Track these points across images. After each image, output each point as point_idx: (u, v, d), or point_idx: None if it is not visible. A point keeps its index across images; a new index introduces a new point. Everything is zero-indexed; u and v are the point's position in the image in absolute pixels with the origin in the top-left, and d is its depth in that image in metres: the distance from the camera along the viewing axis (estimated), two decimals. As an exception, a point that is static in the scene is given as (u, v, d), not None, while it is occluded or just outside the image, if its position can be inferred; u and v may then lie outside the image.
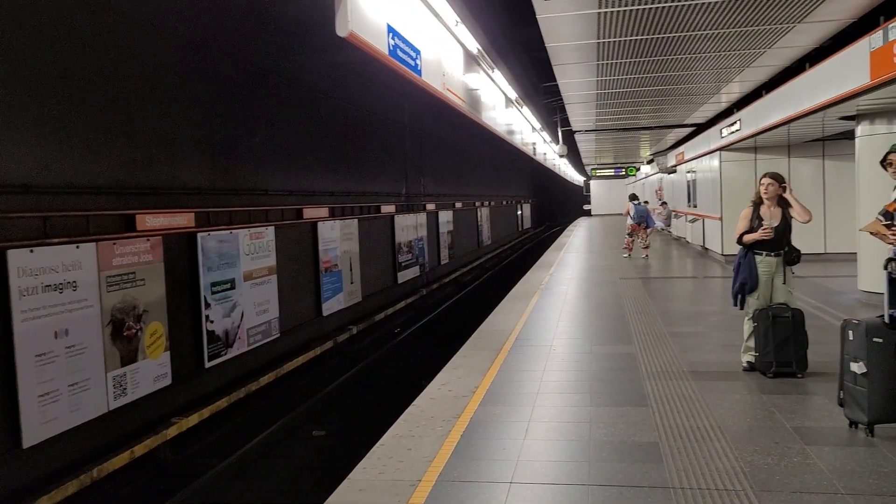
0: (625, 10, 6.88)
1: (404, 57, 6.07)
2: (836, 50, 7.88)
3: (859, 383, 4.15)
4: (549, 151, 26.52)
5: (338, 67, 10.64)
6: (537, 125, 19.37)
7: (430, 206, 17.63)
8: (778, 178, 5.65)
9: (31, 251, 5.11)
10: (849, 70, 7.36)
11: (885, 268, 4.28)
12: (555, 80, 11.15)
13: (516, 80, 13.91)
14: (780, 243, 5.50)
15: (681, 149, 20.01)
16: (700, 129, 17.19)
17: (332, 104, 11.32)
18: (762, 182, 5.60)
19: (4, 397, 4.91)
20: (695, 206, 17.97)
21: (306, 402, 8.22)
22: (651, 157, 27.89)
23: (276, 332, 8.78)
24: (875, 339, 4.08)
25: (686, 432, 4.33)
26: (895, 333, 4.08)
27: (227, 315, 7.70)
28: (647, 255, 16.19)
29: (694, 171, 18.12)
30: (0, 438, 4.89)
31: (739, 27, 7.64)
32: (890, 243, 4.33)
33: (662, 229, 23.79)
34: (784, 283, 5.56)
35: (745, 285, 5.58)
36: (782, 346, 5.42)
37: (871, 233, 4.48)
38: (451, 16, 7.72)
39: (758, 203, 5.62)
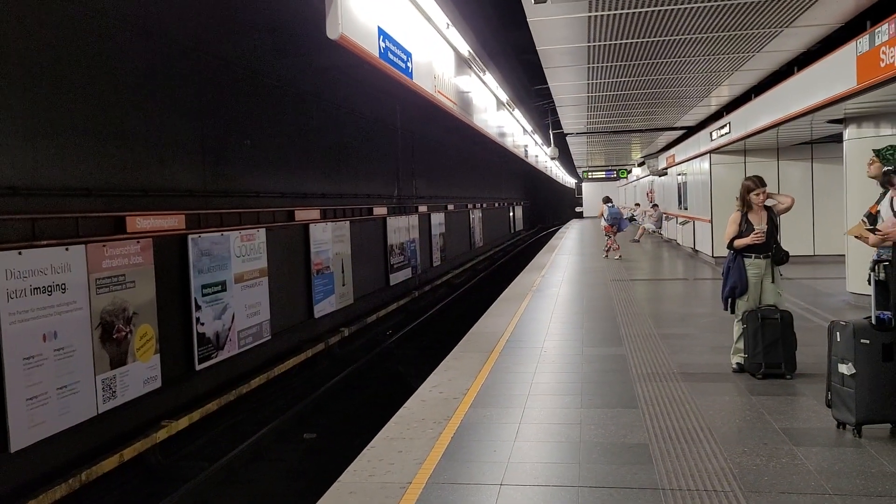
0: (615, 14, 6.91)
1: (395, 60, 6.08)
2: (823, 54, 7.95)
3: (847, 384, 4.19)
4: (540, 154, 26.59)
5: (329, 70, 10.63)
6: (529, 127, 19.42)
7: (423, 208, 17.64)
8: (764, 183, 5.67)
9: (20, 253, 5.07)
10: (836, 74, 7.43)
11: (872, 270, 4.32)
12: (546, 83, 11.19)
13: (507, 83, 13.95)
14: (769, 245, 5.55)
15: (671, 151, 20.10)
16: (690, 131, 17.28)
17: (324, 106, 11.31)
18: (759, 193, 5.56)
19: (-8, 401, 4.87)
20: (685, 209, 18.06)
21: (297, 405, 8.19)
22: (642, 159, 28.01)
23: (268, 335, 8.76)
24: (862, 341, 4.12)
25: (676, 434, 4.35)
26: (882, 335, 4.11)
27: (217, 317, 7.68)
28: (612, 256, 16.52)
29: (684, 174, 18.21)
30: (-13, 442, 4.85)
31: (728, 31, 7.70)
32: (872, 245, 4.38)
33: (653, 231, 23.88)
34: (773, 284, 5.60)
35: (735, 289, 5.61)
36: (771, 347, 5.45)
37: (856, 236, 4.53)
38: (441, 19, 7.73)
39: (746, 210, 5.66)
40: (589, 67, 9.55)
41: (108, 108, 6.32)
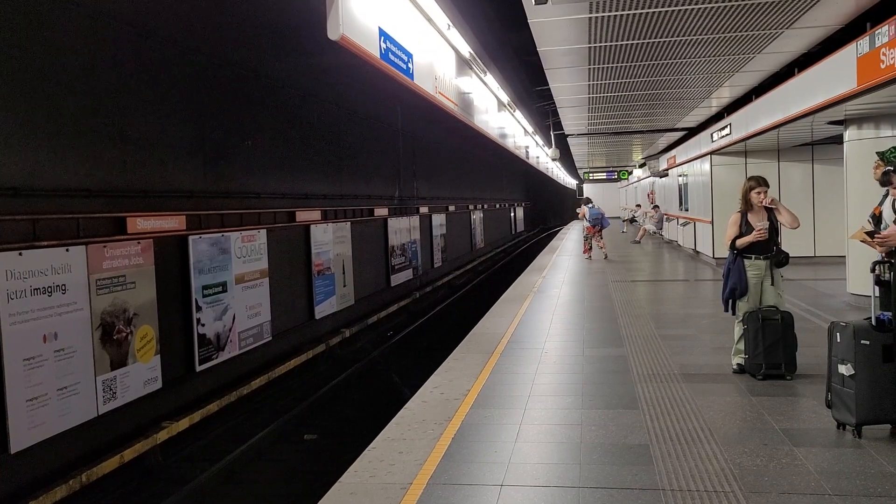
0: (616, 15, 6.92)
1: (396, 60, 6.08)
2: (824, 55, 7.95)
3: (847, 385, 4.19)
4: (541, 155, 26.59)
5: (330, 71, 10.64)
6: (530, 129, 19.43)
7: (424, 209, 17.64)
8: (767, 183, 5.68)
9: (20, 254, 5.08)
10: (836, 75, 7.43)
11: (873, 271, 4.32)
12: (547, 84, 11.20)
13: (508, 84, 13.95)
14: (769, 246, 5.55)
15: (672, 152, 20.10)
16: (691, 132, 17.28)
17: (325, 107, 11.32)
18: (760, 192, 5.57)
19: (-7, 401, 4.87)
20: (686, 210, 18.06)
21: (298, 406, 8.19)
22: (643, 160, 28.02)
23: (268, 336, 8.76)
24: (862, 342, 4.12)
25: (676, 434, 4.35)
26: (882, 336, 4.11)
27: (218, 318, 7.68)
28: (598, 256, 16.93)
29: (685, 175, 18.21)
30: (-12, 443, 4.86)
31: (729, 32, 7.70)
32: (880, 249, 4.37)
33: (654, 233, 23.88)
34: (773, 286, 5.60)
35: (735, 290, 5.62)
36: (772, 348, 5.45)
37: (861, 240, 4.53)
38: (442, 20, 7.74)
39: (746, 210, 5.66)
40: (590, 69, 9.56)
41: (108, 109, 6.33)
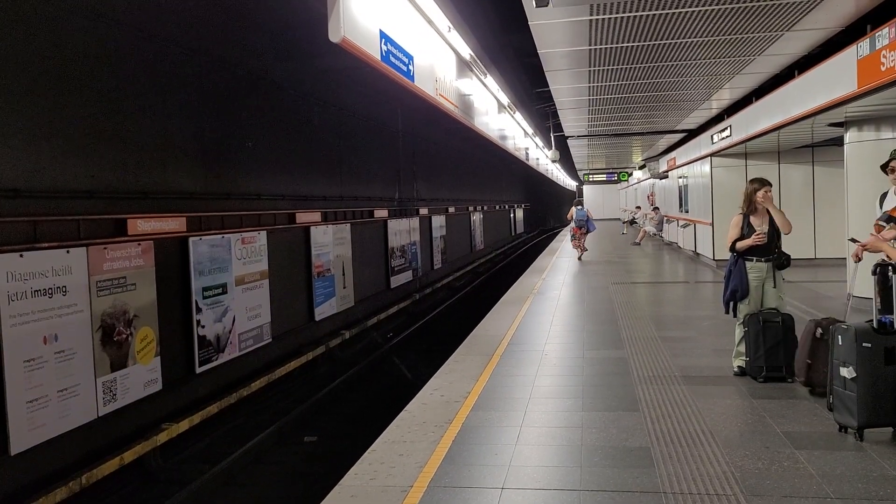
0: (616, 18, 6.92)
1: (397, 63, 6.08)
2: (824, 58, 7.95)
3: (848, 388, 4.18)
4: (541, 156, 26.59)
5: (330, 73, 10.64)
6: (530, 130, 19.43)
7: (424, 211, 17.64)
8: (769, 185, 5.68)
9: (21, 256, 5.07)
10: (837, 77, 7.43)
11: (874, 273, 4.32)
12: (547, 86, 11.20)
13: (509, 86, 13.95)
14: (770, 248, 5.55)
15: (672, 154, 20.11)
16: (691, 134, 17.29)
17: (325, 109, 11.32)
18: (765, 191, 5.55)
19: (-7, 403, 4.86)
20: (686, 212, 18.06)
21: (298, 408, 8.18)
22: (643, 162, 28.02)
23: (268, 337, 8.75)
24: (864, 344, 4.12)
25: (677, 437, 4.34)
26: (884, 338, 4.11)
27: (218, 320, 7.67)
28: (580, 258, 17.16)
29: (685, 177, 18.22)
30: (-12, 445, 4.85)
31: (729, 35, 7.70)
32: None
33: (654, 234, 23.88)
34: (774, 288, 5.60)
35: (736, 293, 5.62)
36: (773, 350, 5.45)
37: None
38: (443, 22, 7.74)
39: (747, 212, 5.66)
40: (590, 71, 9.56)
41: (109, 110, 6.33)
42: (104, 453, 5.76)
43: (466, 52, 9.24)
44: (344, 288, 11.58)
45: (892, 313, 4.14)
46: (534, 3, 5.89)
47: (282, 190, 9.62)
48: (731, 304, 5.70)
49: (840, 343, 4.26)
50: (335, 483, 3.86)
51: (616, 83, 10.55)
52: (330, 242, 11.07)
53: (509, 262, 27.48)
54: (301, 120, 10.43)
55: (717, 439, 4.28)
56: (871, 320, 4.22)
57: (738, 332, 5.70)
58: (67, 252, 5.51)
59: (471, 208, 25.06)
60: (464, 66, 9.63)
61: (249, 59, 8.84)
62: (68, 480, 5.24)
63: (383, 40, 5.65)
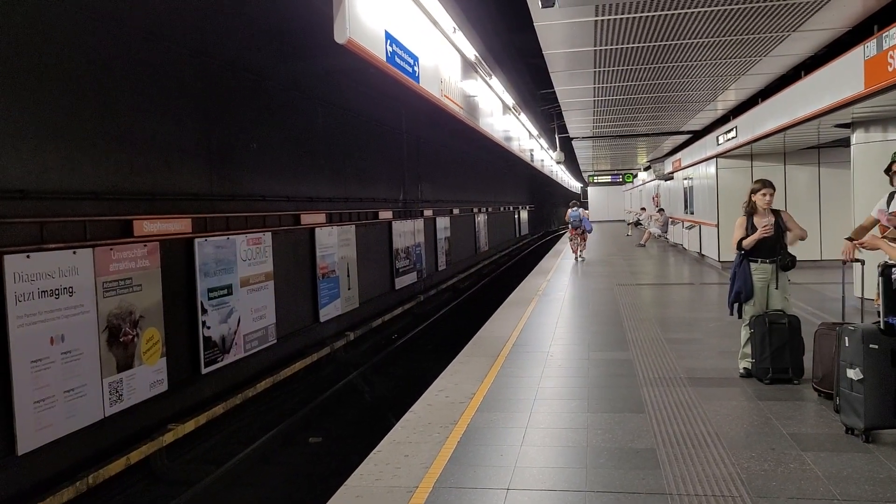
0: (621, 18, 6.91)
1: (402, 64, 6.09)
2: (831, 58, 7.93)
3: (855, 389, 4.17)
4: (546, 158, 26.57)
5: (336, 74, 10.66)
6: (535, 132, 19.42)
7: (428, 213, 17.64)
8: (773, 186, 5.66)
9: (28, 257, 5.10)
10: (843, 78, 7.40)
11: (881, 274, 4.30)
12: (552, 87, 11.19)
13: (514, 87, 13.96)
14: (775, 250, 5.53)
15: (678, 155, 20.06)
16: (697, 136, 17.25)
17: (330, 110, 11.34)
18: (764, 193, 5.56)
19: (0, 403, 4.88)
20: (691, 213, 18.02)
21: (303, 409, 8.19)
22: (648, 163, 27.97)
23: (273, 339, 8.77)
24: (871, 346, 4.10)
25: (683, 439, 4.33)
26: (891, 340, 4.09)
27: (223, 321, 7.69)
28: (580, 258, 17.40)
29: (691, 178, 18.17)
30: (-5, 445, 4.87)
31: (735, 35, 7.69)
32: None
33: (659, 236, 23.83)
34: (779, 290, 5.58)
35: (740, 294, 5.60)
36: (779, 352, 5.43)
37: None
38: (448, 23, 7.75)
39: (751, 212, 5.64)
40: (595, 72, 9.55)
41: (115, 112, 6.35)
42: (111, 454, 5.79)
43: (471, 53, 9.25)
44: (349, 289, 11.60)
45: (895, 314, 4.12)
46: (539, 3, 5.88)
47: (287, 191, 9.64)
48: (736, 305, 5.69)
49: (847, 344, 4.25)
50: (340, 484, 3.87)
51: (621, 84, 10.54)
52: (335, 244, 11.08)
53: (514, 264, 27.46)
54: (306, 121, 10.45)
55: (723, 441, 4.27)
56: (879, 322, 4.20)
57: (744, 333, 5.68)
58: (74, 253, 5.54)
59: (475, 210, 25.06)
60: (469, 67, 9.64)
61: (255, 61, 8.86)
62: (75, 480, 5.27)
63: (388, 41, 5.66)
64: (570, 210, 17.82)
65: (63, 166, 5.70)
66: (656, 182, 26.94)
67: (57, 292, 5.34)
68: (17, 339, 4.96)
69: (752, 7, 6.60)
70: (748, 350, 5.64)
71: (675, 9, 6.61)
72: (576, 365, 6.43)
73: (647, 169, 29.35)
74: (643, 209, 29.87)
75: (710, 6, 6.55)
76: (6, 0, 5.18)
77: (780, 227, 5.58)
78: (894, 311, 4.18)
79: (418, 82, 6.69)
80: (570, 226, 17.87)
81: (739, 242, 5.60)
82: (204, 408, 7.03)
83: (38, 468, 5.23)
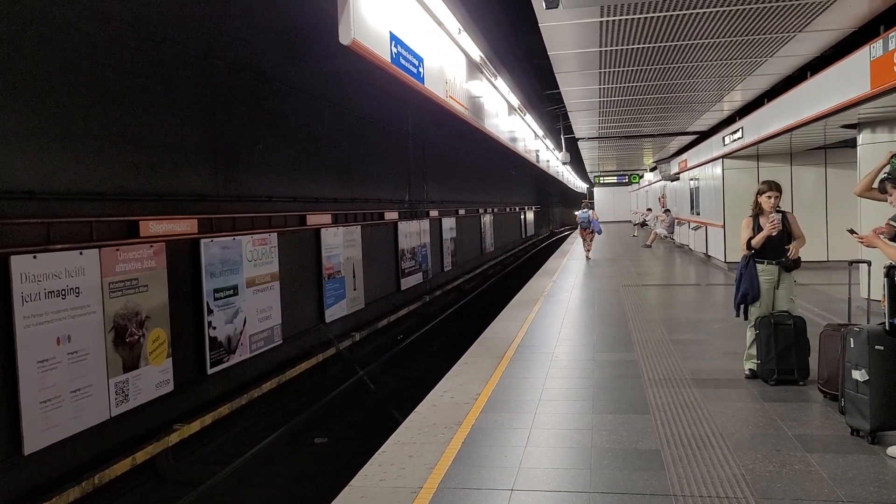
0: (627, 19, 6.91)
1: (407, 65, 6.10)
2: (836, 59, 7.90)
3: (861, 391, 4.15)
4: (552, 159, 26.55)
5: (341, 75, 10.68)
6: (540, 132, 19.43)
7: (434, 213, 17.65)
8: (779, 189, 5.65)
9: (35, 257, 5.13)
10: (849, 79, 7.37)
11: (886, 275, 4.28)
12: (557, 88, 11.19)
13: (519, 88, 13.96)
14: (781, 251, 5.51)
15: (684, 156, 20.02)
16: (703, 136, 17.21)
17: (336, 111, 11.37)
18: (770, 195, 5.55)
19: (6, 403, 4.92)
20: (698, 214, 17.97)
21: (308, 409, 8.21)
22: (654, 164, 27.91)
23: (279, 339, 8.79)
24: (877, 347, 4.08)
25: (688, 440, 4.32)
26: (896, 341, 4.07)
27: (229, 321, 7.72)
28: (588, 258, 17.75)
29: (697, 179, 18.13)
30: (1, 445, 4.90)
31: (741, 36, 7.67)
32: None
33: (665, 237, 23.78)
34: (786, 291, 5.57)
35: (747, 296, 5.59)
36: (784, 353, 5.41)
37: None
38: (453, 24, 7.76)
39: (757, 213, 5.63)
40: (601, 72, 9.55)
41: (121, 113, 6.39)
42: (117, 454, 5.81)
43: (476, 54, 9.26)
44: (354, 290, 11.62)
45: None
46: (544, 4, 5.89)
47: (292, 192, 9.67)
48: (742, 306, 5.67)
49: (852, 346, 4.23)
50: (345, 484, 3.88)
51: (627, 85, 10.53)
52: (340, 244, 11.10)
53: (520, 265, 27.44)
54: (312, 122, 10.48)
55: (728, 442, 4.26)
56: (884, 323, 4.19)
57: (750, 334, 5.66)
58: (80, 253, 5.57)
59: (481, 210, 25.05)
60: (474, 68, 9.64)
61: (260, 62, 8.89)
62: (81, 480, 5.29)
63: (393, 42, 5.68)
64: (581, 210, 18.25)
65: (70, 167, 5.74)
66: (662, 183, 26.89)
67: (63, 293, 5.37)
68: (23, 340, 4.98)
69: (758, 8, 6.59)
70: (754, 351, 5.62)
71: (681, 9, 6.60)
72: (581, 366, 6.43)
73: (653, 169, 29.30)
74: (649, 210, 29.80)
75: (715, 7, 6.54)
76: (10, 1, 5.22)
77: (786, 229, 5.57)
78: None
79: (423, 83, 6.71)
80: (579, 226, 18.37)
81: (748, 242, 5.58)
82: (210, 408, 7.05)
83: (45, 468, 5.26)
